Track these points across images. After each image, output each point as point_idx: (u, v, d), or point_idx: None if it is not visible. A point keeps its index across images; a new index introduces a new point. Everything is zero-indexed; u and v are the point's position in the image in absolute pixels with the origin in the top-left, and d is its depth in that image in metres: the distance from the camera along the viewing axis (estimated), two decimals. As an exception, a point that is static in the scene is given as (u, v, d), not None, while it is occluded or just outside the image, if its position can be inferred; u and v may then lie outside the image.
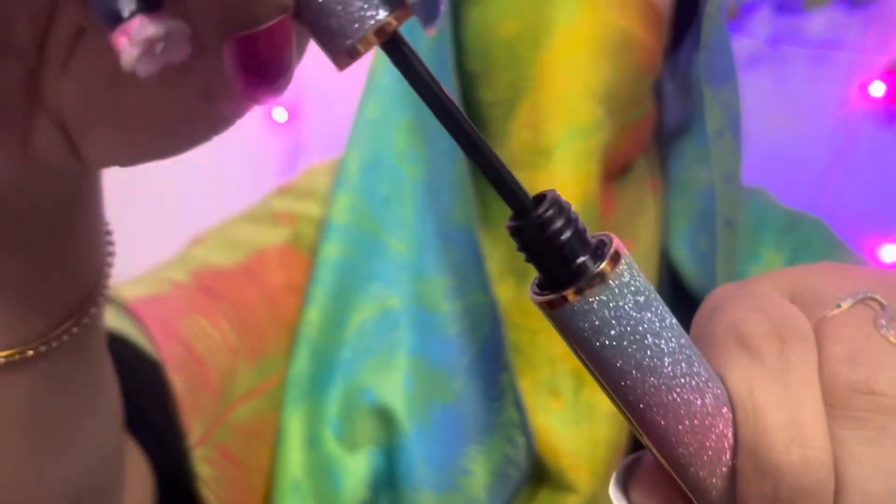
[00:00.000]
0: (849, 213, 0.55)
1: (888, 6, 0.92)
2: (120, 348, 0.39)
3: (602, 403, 0.47)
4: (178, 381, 0.41)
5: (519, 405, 0.46)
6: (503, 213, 0.51)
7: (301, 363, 0.48)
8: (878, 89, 0.94)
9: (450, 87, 0.49)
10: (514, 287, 0.49)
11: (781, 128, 0.50)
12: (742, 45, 0.86)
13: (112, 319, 0.40)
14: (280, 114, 1.01)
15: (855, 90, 0.94)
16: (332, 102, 1.04)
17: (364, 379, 0.48)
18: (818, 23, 0.94)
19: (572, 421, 0.46)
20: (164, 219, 1.08)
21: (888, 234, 0.92)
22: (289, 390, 0.48)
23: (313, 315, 0.49)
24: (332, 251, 0.50)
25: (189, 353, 0.43)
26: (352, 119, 0.55)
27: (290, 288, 0.50)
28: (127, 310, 0.42)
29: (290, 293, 0.50)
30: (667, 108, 0.55)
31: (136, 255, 1.26)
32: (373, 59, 0.54)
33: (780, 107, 0.94)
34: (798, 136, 0.96)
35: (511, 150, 0.48)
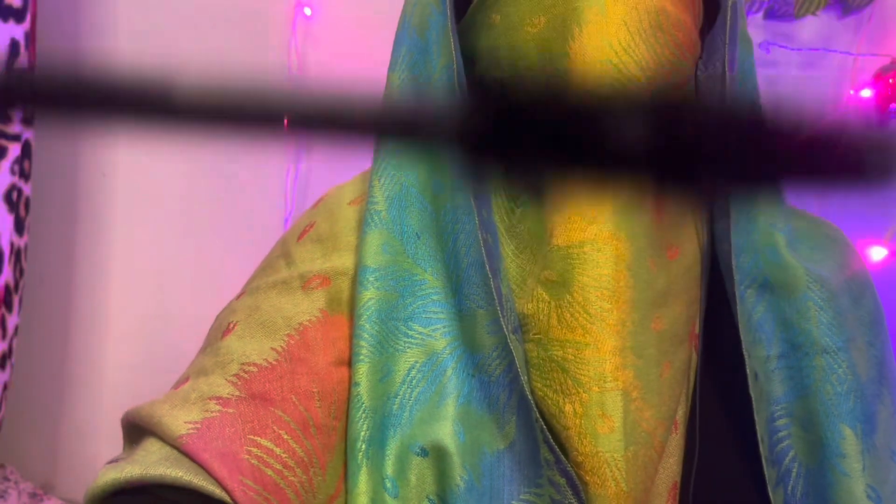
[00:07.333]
0: (839, 213, 0.56)
1: (879, 11, 0.94)
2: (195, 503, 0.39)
3: (646, 422, 0.43)
4: None
5: (548, 443, 0.43)
6: (528, 222, 0.48)
7: (355, 428, 0.45)
8: (868, 93, 0.95)
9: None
10: (548, 299, 0.43)
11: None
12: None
13: (173, 468, 0.40)
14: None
15: (846, 94, 0.96)
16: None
17: (416, 433, 0.45)
18: (810, 28, 0.96)
19: (621, 445, 0.42)
20: (185, 194, 1.09)
21: (877, 234, 0.93)
22: (349, 459, 0.45)
23: (361, 372, 0.46)
24: (368, 296, 0.47)
25: (261, 482, 0.41)
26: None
27: (338, 363, 0.47)
28: (182, 452, 0.41)
29: (338, 368, 0.47)
30: (702, 97, 0.51)
31: (155, 237, 1.25)
32: (386, 83, 0.51)
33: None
34: (789, 139, 0.97)
35: None
